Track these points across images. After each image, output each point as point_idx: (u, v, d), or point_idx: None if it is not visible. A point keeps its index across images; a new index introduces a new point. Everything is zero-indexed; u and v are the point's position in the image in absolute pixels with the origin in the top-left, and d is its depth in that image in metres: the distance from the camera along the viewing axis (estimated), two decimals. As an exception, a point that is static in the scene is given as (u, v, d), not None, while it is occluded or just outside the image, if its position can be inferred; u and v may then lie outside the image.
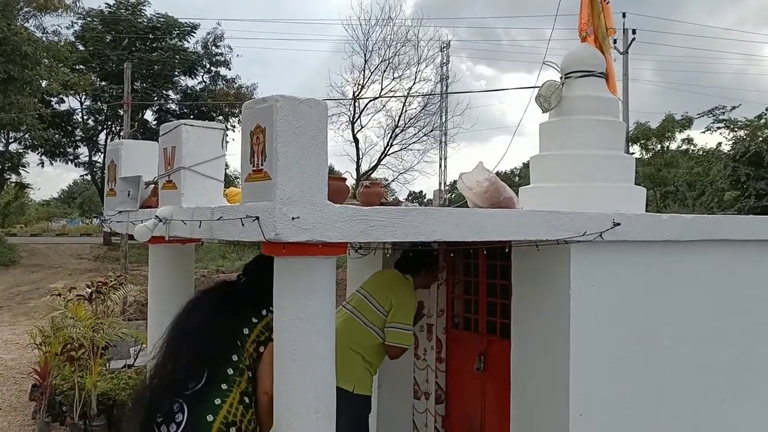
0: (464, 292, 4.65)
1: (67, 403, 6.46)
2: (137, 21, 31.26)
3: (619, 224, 3.28)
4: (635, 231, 3.40)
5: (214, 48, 33.45)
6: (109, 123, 32.39)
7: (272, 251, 2.51)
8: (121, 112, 23.82)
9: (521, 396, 3.54)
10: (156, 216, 3.15)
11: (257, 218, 2.40)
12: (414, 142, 29.99)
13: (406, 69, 29.03)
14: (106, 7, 31.25)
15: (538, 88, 4.70)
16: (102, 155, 31.28)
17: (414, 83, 29.32)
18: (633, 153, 29.85)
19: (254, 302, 3.10)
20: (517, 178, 42.81)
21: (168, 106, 32.70)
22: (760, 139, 23.26)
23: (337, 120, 28.59)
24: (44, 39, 27.45)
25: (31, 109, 24.88)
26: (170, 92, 33.04)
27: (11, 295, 17.16)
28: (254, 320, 3.07)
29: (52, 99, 30.23)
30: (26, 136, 29.12)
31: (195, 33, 32.71)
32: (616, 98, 4.82)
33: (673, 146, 33.45)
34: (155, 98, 30.98)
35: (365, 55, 28.86)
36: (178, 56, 31.32)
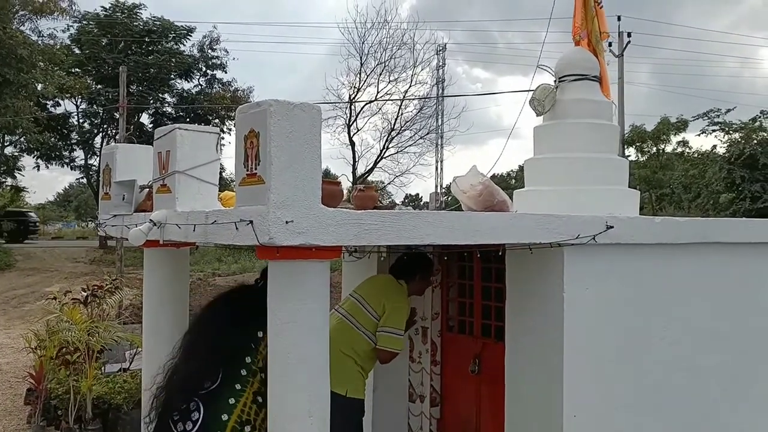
0: (459, 295, 4.66)
1: (62, 407, 6.45)
2: (133, 24, 31.23)
3: (612, 227, 3.30)
4: (628, 234, 3.42)
5: (210, 51, 33.43)
6: (104, 126, 32.35)
7: (266, 255, 2.51)
8: (117, 116, 23.79)
9: (516, 398, 3.55)
10: (150, 220, 3.16)
11: (251, 222, 2.41)
12: (410, 145, 30.07)
13: (402, 72, 29.11)
14: (101, 11, 31.23)
15: (532, 92, 4.72)
16: (98, 158, 31.21)
17: (410, 86, 29.40)
18: (628, 155, 29.96)
19: None
20: (513, 180, 42.92)
21: (164, 110, 32.67)
22: (755, 141, 23.34)
23: (333, 123, 28.67)
24: (40, 42, 27.37)
25: (27, 113, 24.83)
26: (166, 95, 33.01)
27: (6, 298, 17.11)
28: None
29: (47, 102, 30.19)
30: (22, 139, 29.07)
31: (191, 36, 32.71)
32: (609, 102, 4.84)
33: (669, 149, 33.59)
34: (151, 101, 30.95)
35: (361, 58, 28.93)
36: (174, 59, 31.31)
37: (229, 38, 54.30)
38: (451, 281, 4.73)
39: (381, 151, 29.59)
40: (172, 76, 32.28)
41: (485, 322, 4.35)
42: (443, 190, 28.77)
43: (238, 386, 3.05)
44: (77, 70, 30.27)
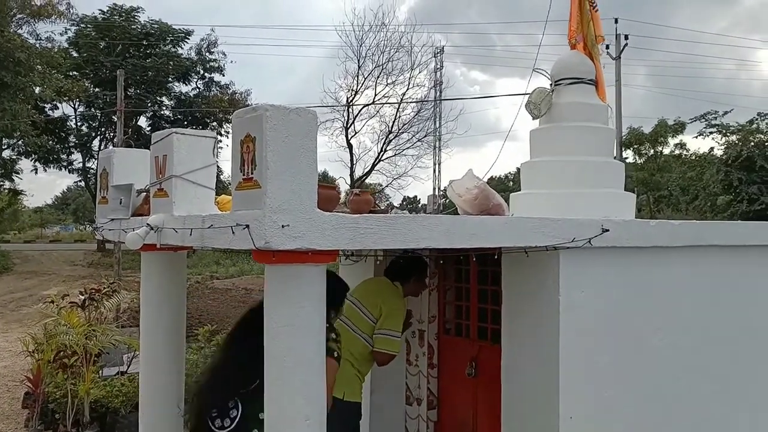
0: (455, 298, 4.67)
1: (59, 410, 6.45)
2: (131, 27, 31.28)
3: (608, 230, 3.31)
4: (624, 237, 3.43)
5: (207, 54, 33.52)
6: (102, 129, 32.39)
7: (262, 259, 2.52)
8: (115, 119, 23.79)
9: (512, 400, 3.55)
10: (147, 224, 3.16)
11: (247, 226, 2.41)
12: (408, 148, 30.14)
13: (399, 75, 29.19)
14: (99, 14, 31.29)
15: (528, 95, 4.73)
16: (96, 161, 31.21)
17: (408, 89, 29.47)
18: (626, 158, 30.00)
19: None
20: (511, 183, 42.99)
21: (162, 113, 32.71)
22: (752, 143, 23.42)
23: (331, 125, 28.71)
24: (38, 45, 27.43)
25: (25, 116, 24.84)
26: (164, 98, 33.07)
27: (4, 302, 17.10)
28: None
29: (45, 105, 30.22)
30: (20, 142, 29.08)
31: (189, 39, 32.80)
32: (605, 105, 4.85)
33: (666, 151, 33.66)
34: (149, 104, 30.99)
35: (359, 60, 29.02)
36: (171, 62, 31.38)
37: (227, 41, 54.43)
38: (447, 284, 4.74)
39: (379, 153, 29.67)
40: (170, 79, 32.34)
41: (481, 325, 4.36)
42: (441, 193, 28.78)
43: None
44: (75, 73, 30.31)
